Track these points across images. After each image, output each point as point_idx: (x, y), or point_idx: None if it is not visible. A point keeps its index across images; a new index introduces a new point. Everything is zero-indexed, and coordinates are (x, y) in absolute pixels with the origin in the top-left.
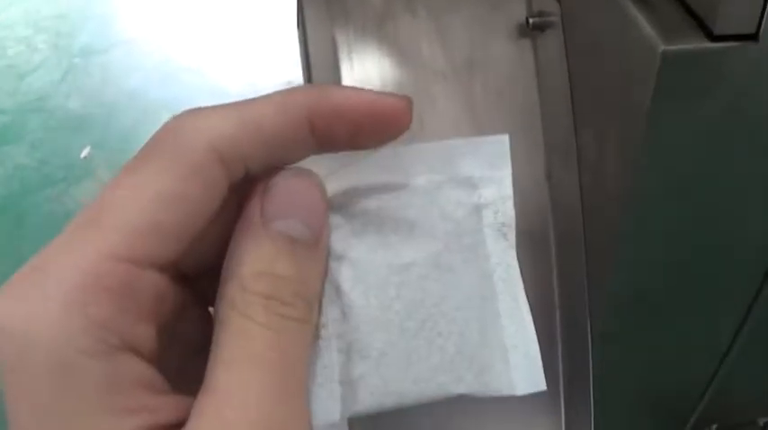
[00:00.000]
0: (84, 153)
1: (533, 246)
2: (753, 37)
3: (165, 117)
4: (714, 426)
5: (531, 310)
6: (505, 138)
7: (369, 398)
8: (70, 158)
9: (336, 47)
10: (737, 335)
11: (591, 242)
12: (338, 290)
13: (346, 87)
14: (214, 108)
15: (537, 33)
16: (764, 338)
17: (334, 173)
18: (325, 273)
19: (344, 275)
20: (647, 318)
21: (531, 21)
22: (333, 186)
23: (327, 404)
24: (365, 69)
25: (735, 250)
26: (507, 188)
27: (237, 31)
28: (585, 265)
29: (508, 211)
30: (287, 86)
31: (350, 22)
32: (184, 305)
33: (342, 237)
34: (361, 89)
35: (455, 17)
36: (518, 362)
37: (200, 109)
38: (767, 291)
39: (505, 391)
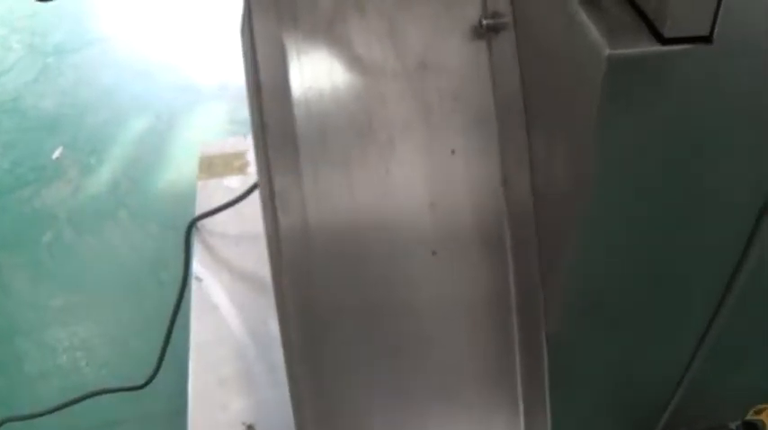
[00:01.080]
0: (56, 154)
1: (490, 249)
2: (706, 39)
3: (137, 116)
4: None
5: (489, 315)
6: None
7: None
8: (42, 159)
9: (285, 49)
10: (702, 340)
11: (544, 246)
12: None
13: None
14: None
15: (491, 35)
16: (731, 343)
17: None
18: None
19: None
20: (603, 323)
21: (484, 22)
22: None
23: None
24: (314, 71)
25: (693, 256)
26: None
27: (210, 30)
28: (540, 269)
29: None
30: None
31: (299, 23)
32: None
33: None
34: None
35: (407, 18)
36: None
37: None
38: (732, 294)
39: None
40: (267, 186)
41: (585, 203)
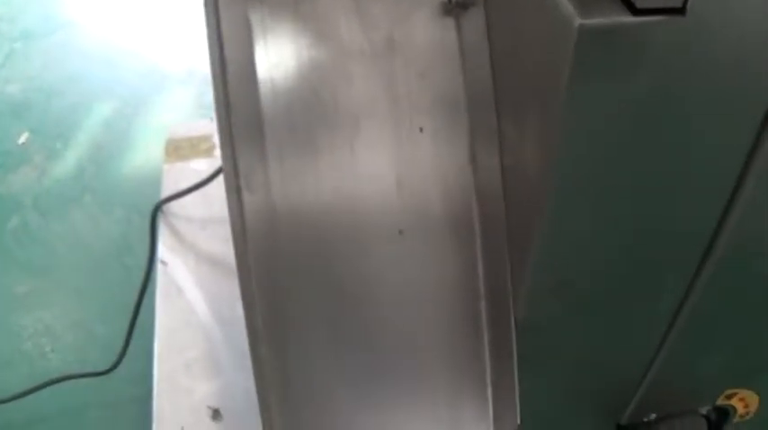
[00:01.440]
0: (22, 139)
1: (457, 233)
2: (679, 11)
3: (103, 101)
4: (653, 416)
5: (457, 297)
6: None
7: None
8: (8, 145)
9: (250, 25)
10: (672, 324)
11: (513, 227)
12: None
13: None
14: None
15: (460, 11)
16: (702, 327)
17: None
18: None
19: None
20: (572, 306)
21: None
22: None
23: None
24: (280, 49)
25: (665, 235)
26: None
27: (176, 15)
28: (508, 251)
29: None
30: None
31: (264, 0)
32: None
33: None
34: None
35: None
36: None
37: None
38: (703, 277)
39: None
40: (231, 167)
41: (555, 181)
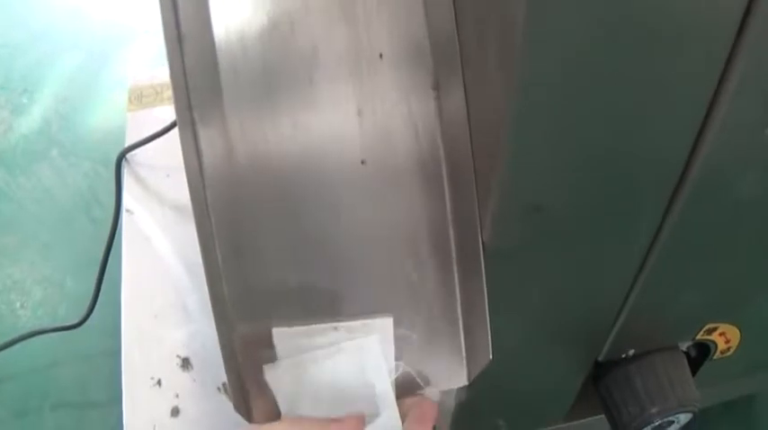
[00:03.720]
0: None
1: (422, 159)
2: None
3: (69, 54)
4: (632, 352)
5: (424, 224)
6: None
7: None
8: None
9: None
10: (648, 255)
11: (479, 150)
12: None
13: None
14: None
15: None
16: (679, 258)
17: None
18: None
19: None
20: (543, 232)
21: None
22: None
23: None
24: None
25: (638, 159)
26: None
27: None
28: (475, 177)
29: None
30: None
31: None
32: None
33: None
34: None
35: None
36: None
37: None
38: (680, 201)
39: None
40: (185, 99)
41: (519, 100)
